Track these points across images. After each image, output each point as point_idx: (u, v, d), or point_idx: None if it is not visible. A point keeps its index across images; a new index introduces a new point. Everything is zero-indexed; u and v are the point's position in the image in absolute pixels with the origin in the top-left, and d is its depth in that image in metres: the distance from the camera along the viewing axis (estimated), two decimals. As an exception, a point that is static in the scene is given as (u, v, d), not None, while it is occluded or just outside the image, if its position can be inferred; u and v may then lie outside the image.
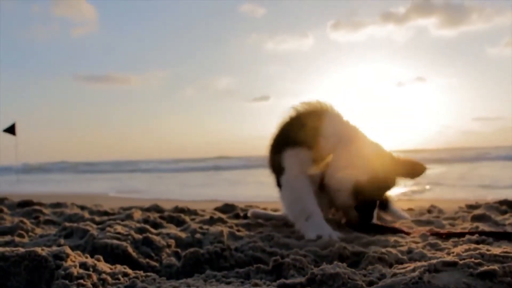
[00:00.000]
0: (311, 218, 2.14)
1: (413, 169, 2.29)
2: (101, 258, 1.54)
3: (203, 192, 7.56)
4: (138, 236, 1.92)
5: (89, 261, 1.40)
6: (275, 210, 2.92)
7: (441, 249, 1.78)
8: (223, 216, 2.93)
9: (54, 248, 1.43)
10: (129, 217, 2.77)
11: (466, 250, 1.48)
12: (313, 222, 2.13)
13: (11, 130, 11.84)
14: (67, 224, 2.15)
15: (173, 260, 1.78)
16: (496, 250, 1.42)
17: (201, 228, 2.31)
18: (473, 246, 1.61)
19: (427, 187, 7.19)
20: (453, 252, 1.54)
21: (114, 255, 1.71)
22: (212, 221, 2.69)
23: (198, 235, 2.14)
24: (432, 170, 11.64)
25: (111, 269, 1.43)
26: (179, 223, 2.65)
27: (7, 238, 2.04)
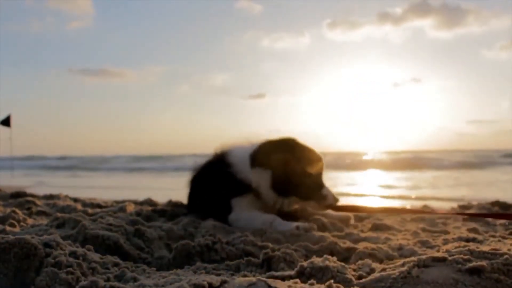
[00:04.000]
0: (275, 221, 2.26)
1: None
2: (92, 248, 1.54)
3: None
4: (130, 228, 1.91)
5: (79, 250, 1.40)
6: None
7: (432, 247, 1.79)
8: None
9: (45, 236, 1.43)
10: (122, 210, 2.76)
11: (456, 247, 1.48)
12: (278, 223, 2.25)
13: (6, 122, 11.78)
14: (59, 214, 2.14)
15: (164, 252, 1.78)
16: (485, 247, 1.43)
17: (193, 222, 2.31)
18: (463, 243, 1.62)
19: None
20: (443, 249, 1.55)
21: (105, 246, 1.71)
22: (203, 216, 2.69)
23: (190, 229, 2.14)
24: (427, 172, 11.69)
25: (101, 258, 1.43)
26: (171, 217, 2.65)
27: (-2, 227, 2.03)
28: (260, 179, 2.40)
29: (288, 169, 2.37)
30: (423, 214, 2.34)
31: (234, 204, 2.42)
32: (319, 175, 2.49)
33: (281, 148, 2.42)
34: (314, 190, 2.45)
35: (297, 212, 2.56)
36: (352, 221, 2.52)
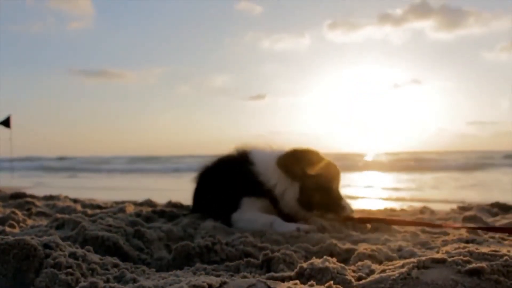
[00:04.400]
0: (275, 222, 2.26)
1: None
2: (91, 249, 1.54)
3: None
4: (130, 229, 1.91)
5: (79, 251, 1.40)
6: None
7: (431, 248, 1.79)
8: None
9: (44, 237, 1.43)
10: (122, 211, 2.76)
11: (456, 249, 1.48)
12: (278, 224, 2.25)
13: (6, 123, 11.76)
14: (59, 215, 2.14)
15: (164, 253, 1.78)
16: (484, 249, 1.43)
17: (193, 223, 2.31)
18: (462, 245, 1.62)
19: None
20: (442, 251, 1.55)
21: (105, 246, 1.71)
22: (204, 216, 2.69)
23: (189, 230, 2.15)
24: (427, 173, 11.69)
25: (101, 259, 1.43)
26: (171, 217, 2.65)
27: (-2, 228, 2.03)
28: (287, 190, 2.40)
29: (317, 185, 2.38)
30: (439, 227, 2.34)
31: (243, 203, 2.39)
32: (338, 187, 2.53)
33: (309, 161, 2.41)
34: (336, 203, 2.48)
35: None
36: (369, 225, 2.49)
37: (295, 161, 2.41)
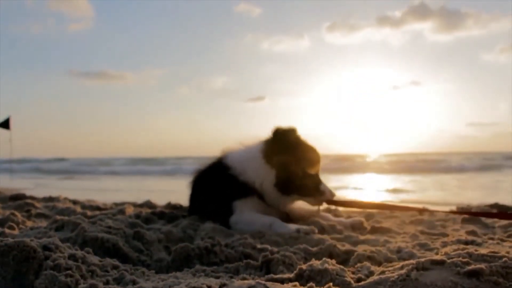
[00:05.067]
0: (274, 223, 2.27)
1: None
2: (91, 250, 1.54)
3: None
4: (129, 231, 1.91)
5: (79, 253, 1.40)
6: None
7: (431, 249, 1.79)
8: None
9: (44, 239, 1.43)
10: (121, 212, 2.76)
11: (455, 250, 1.49)
12: (277, 225, 2.25)
13: (5, 124, 11.77)
14: (58, 217, 2.14)
15: (164, 254, 1.78)
16: (483, 250, 1.43)
17: (192, 224, 2.31)
18: (461, 246, 1.62)
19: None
20: (441, 252, 1.55)
21: (104, 248, 1.71)
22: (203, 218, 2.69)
23: (189, 231, 2.15)
24: (426, 174, 11.69)
25: (100, 261, 1.43)
26: (171, 219, 2.65)
27: (-3, 230, 2.03)
28: (265, 180, 2.42)
29: (292, 169, 2.40)
30: (423, 212, 2.37)
31: (236, 207, 2.42)
32: (317, 171, 2.52)
33: (285, 146, 2.43)
34: (314, 186, 2.47)
35: (296, 214, 2.56)
36: (365, 225, 2.48)
37: (270, 150, 2.44)
